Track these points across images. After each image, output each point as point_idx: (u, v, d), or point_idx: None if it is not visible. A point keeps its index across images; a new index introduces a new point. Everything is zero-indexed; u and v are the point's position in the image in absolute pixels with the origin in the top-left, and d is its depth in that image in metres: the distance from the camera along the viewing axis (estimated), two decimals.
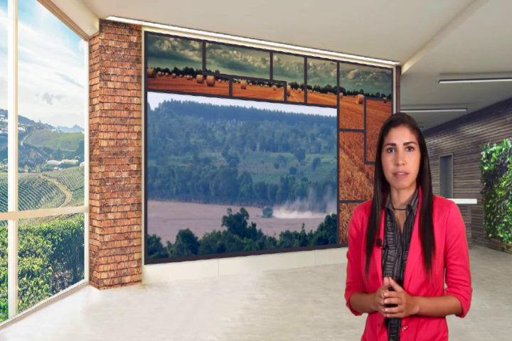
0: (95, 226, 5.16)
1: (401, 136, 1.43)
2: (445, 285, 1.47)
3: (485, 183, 9.12)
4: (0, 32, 4.80)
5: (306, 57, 6.48)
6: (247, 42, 6.03)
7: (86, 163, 5.38)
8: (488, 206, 8.94)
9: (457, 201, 8.37)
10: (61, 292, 4.89)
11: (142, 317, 4.04)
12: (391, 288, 1.33)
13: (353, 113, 6.86)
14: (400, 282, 1.39)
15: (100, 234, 5.07)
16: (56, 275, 5.83)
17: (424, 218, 1.42)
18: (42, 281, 5.37)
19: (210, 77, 5.80)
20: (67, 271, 6.06)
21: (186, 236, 5.62)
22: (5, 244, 4.88)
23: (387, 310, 1.31)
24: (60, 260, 5.97)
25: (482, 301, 4.61)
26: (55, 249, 5.90)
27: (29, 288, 5.17)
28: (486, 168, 9.04)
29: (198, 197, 5.77)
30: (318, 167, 6.59)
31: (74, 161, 12.92)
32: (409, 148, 1.43)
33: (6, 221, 4.10)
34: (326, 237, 6.58)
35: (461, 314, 1.45)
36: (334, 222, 6.65)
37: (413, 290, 1.38)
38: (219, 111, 5.89)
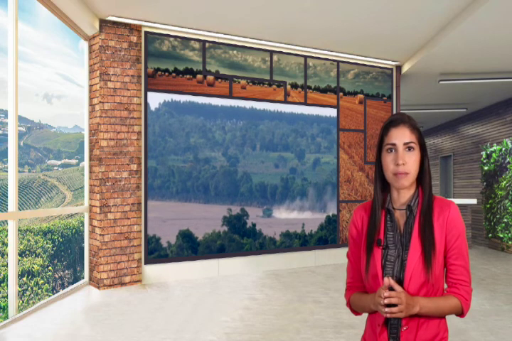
0: (95, 226, 5.17)
1: (401, 136, 1.43)
2: (445, 285, 1.47)
3: (485, 183, 9.12)
4: (0, 32, 4.80)
5: (306, 57, 6.48)
6: (247, 42, 6.03)
7: (86, 163, 5.38)
8: (488, 206, 8.94)
9: (457, 201, 8.36)
10: (61, 292, 4.89)
11: (142, 317, 4.05)
12: (391, 288, 1.33)
13: (353, 113, 6.86)
14: (400, 282, 1.39)
15: (100, 234, 5.07)
16: (56, 275, 5.83)
17: (424, 218, 1.42)
18: (42, 281, 5.37)
19: (210, 77, 5.80)
20: (67, 271, 6.06)
21: (186, 236, 5.62)
22: (5, 244, 4.88)
23: (387, 310, 1.31)
24: (60, 260, 5.97)
25: (482, 301, 4.61)
26: (55, 248, 5.90)
27: (29, 288, 5.17)
28: (486, 168, 9.04)
29: (198, 197, 5.77)
30: (318, 167, 6.59)
31: (74, 161, 12.92)
32: (409, 148, 1.43)
33: (6, 221, 4.10)
34: (326, 237, 6.58)
35: (461, 314, 1.45)
36: (334, 222, 6.65)
37: (413, 290, 1.38)
38: (219, 111, 5.89)
